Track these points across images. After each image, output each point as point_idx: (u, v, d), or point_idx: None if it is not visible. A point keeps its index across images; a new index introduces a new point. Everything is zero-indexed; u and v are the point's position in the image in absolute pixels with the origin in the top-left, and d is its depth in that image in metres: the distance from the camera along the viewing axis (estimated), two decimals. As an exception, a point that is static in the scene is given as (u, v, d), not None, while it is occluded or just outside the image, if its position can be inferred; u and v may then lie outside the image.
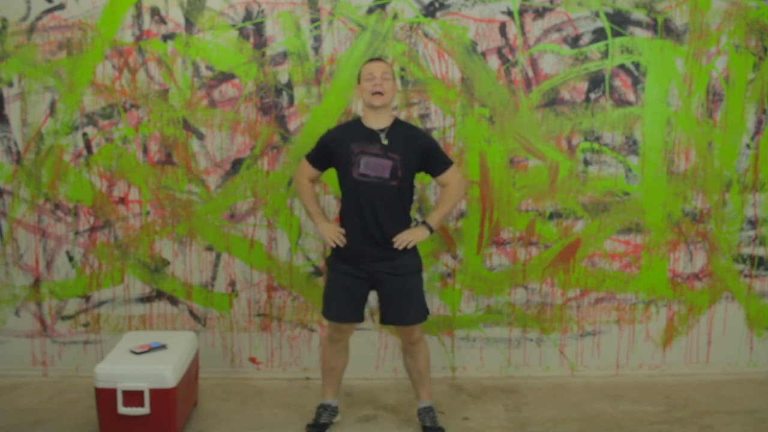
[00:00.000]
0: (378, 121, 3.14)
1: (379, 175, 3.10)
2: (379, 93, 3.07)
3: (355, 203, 3.13)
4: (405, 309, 3.18)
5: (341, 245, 3.17)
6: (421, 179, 3.77)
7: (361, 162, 3.11)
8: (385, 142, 3.11)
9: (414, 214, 3.73)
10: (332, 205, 3.75)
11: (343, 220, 3.22)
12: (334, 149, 3.17)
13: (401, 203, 3.17)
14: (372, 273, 3.15)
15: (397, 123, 3.20)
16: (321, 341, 3.84)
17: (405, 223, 3.20)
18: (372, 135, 3.13)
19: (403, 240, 3.13)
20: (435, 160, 3.20)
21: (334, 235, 3.18)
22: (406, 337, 3.25)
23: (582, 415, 3.49)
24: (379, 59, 3.20)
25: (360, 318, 3.23)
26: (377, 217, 3.11)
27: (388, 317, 3.22)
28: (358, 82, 3.17)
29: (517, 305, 3.89)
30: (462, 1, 3.65)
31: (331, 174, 3.62)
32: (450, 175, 3.22)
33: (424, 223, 3.22)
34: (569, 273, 3.88)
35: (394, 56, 3.67)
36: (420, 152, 3.15)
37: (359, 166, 3.11)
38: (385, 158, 3.10)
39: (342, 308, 3.20)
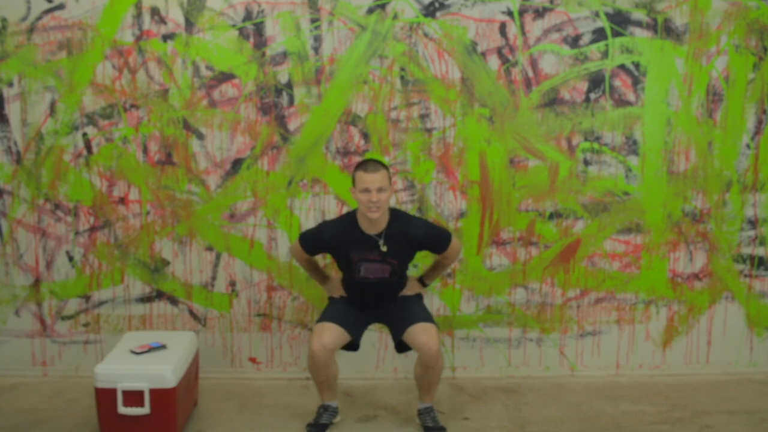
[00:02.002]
0: (375, 226, 3.20)
1: (379, 277, 3.24)
2: (375, 209, 3.10)
3: (356, 292, 3.33)
4: (411, 313, 3.26)
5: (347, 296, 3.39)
6: (421, 179, 3.77)
7: (362, 268, 3.23)
8: (383, 249, 3.19)
9: (414, 212, 3.74)
10: (332, 204, 3.75)
11: (344, 285, 3.38)
12: (332, 251, 3.33)
13: (400, 283, 3.36)
14: (375, 311, 3.36)
15: (393, 222, 3.22)
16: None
17: (403, 287, 3.39)
18: (370, 242, 3.20)
19: (400, 295, 3.38)
20: (436, 246, 3.32)
21: (341, 291, 3.39)
22: (426, 350, 3.14)
23: (582, 415, 3.49)
24: (374, 167, 3.12)
25: (354, 334, 3.27)
26: (377, 299, 3.33)
27: (398, 328, 3.25)
28: (353, 184, 3.16)
29: (517, 305, 3.89)
30: (462, 1, 3.65)
31: (332, 175, 3.64)
32: (450, 249, 3.33)
33: (420, 280, 3.44)
34: (569, 273, 3.88)
35: (394, 56, 3.67)
36: (418, 248, 3.29)
37: (359, 272, 3.24)
38: (385, 263, 3.22)
39: (339, 315, 3.27)
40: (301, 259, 3.40)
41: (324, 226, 3.31)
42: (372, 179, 3.07)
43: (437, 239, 3.29)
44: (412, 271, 3.60)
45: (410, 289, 3.40)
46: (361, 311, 3.35)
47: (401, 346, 3.33)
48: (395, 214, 3.25)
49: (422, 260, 3.62)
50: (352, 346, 3.33)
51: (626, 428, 3.36)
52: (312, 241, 3.30)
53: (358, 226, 3.21)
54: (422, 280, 3.45)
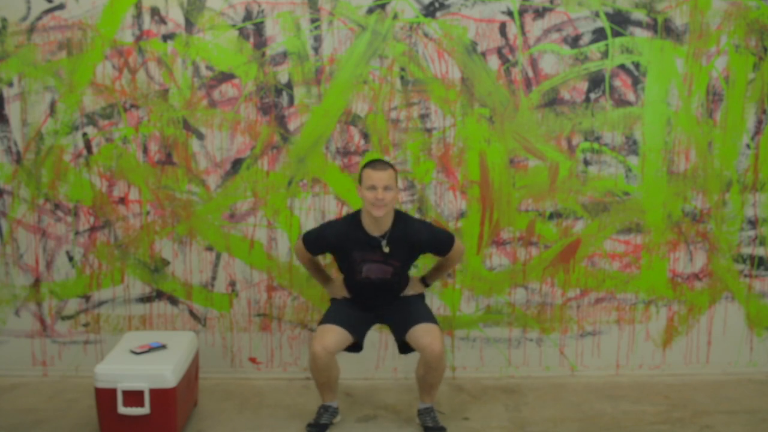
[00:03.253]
0: (378, 227, 3.20)
1: (381, 277, 3.24)
2: (381, 206, 3.10)
3: (358, 292, 3.33)
4: (414, 314, 3.26)
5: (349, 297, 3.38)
6: (421, 179, 3.77)
7: (364, 268, 3.23)
8: (386, 250, 3.20)
9: (414, 212, 3.74)
10: (332, 204, 3.75)
11: (347, 286, 3.37)
12: (335, 251, 3.33)
13: (402, 284, 3.35)
14: (377, 309, 3.35)
15: (396, 223, 3.23)
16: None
17: (405, 287, 3.39)
18: (373, 242, 3.20)
19: (402, 295, 3.37)
20: (439, 249, 3.33)
21: (343, 292, 3.38)
22: (429, 350, 3.13)
23: (582, 415, 3.49)
24: (382, 165, 3.15)
25: (357, 336, 3.27)
26: (379, 299, 3.33)
27: (401, 329, 3.24)
28: (359, 182, 3.18)
29: (517, 305, 3.89)
30: (462, 1, 3.65)
31: (332, 175, 3.64)
32: (453, 251, 3.34)
33: (422, 280, 3.45)
34: (569, 273, 3.88)
35: (394, 56, 3.67)
36: (420, 251, 3.31)
37: (362, 272, 3.24)
38: (387, 265, 3.22)
39: (342, 317, 3.26)
40: (303, 258, 3.40)
41: (327, 226, 3.32)
42: (379, 177, 3.09)
43: (440, 243, 3.29)
44: (413, 272, 3.60)
45: (412, 289, 3.40)
46: (363, 312, 3.34)
47: (404, 347, 3.32)
48: (399, 216, 3.25)
49: (424, 260, 3.62)
50: (355, 347, 3.33)
51: (626, 428, 3.36)
52: (315, 241, 3.30)
53: (362, 227, 3.21)
54: (424, 281, 3.45)
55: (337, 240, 3.24)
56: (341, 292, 3.38)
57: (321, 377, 3.22)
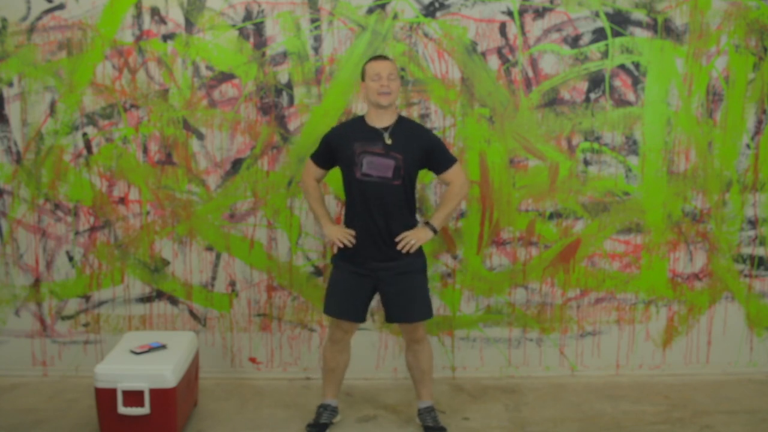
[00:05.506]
0: (381, 120, 3.15)
1: (382, 175, 3.11)
2: (386, 93, 3.08)
3: (360, 203, 3.14)
4: (409, 306, 3.19)
5: (349, 245, 3.17)
6: (422, 179, 3.77)
7: (364, 162, 3.11)
8: (388, 141, 3.12)
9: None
10: (332, 205, 3.75)
11: (348, 220, 3.22)
12: (337, 148, 3.19)
13: (406, 202, 3.17)
14: (376, 271, 3.16)
15: (401, 120, 3.19)
16: (321, 342, 3.84)
17: (410, 223, 3.20)
18: (375, 134, 3.13)
19: (406, 241, 3.13)
20: (438, 158, 3.20)
21: (342, 235, 3.17)
22: (410, 336, 3.25)
23: (582, 415, 3.49)
24: (384, 58, 3.19)
25: (361, 317, 3.23)
26: (382, 217, 3.12)
27: (392, 315, 3.21)
28: (362, 79, 3.16)
29: (517, 305, 3.89)
30: (462, 1, 3.65)
31: (332, 174, 3.63)
32: (453, 173, 3.22)
33: (427, 223, 3.22)
34: (569, 273, 3.88)
35: (394, 56, 3.66)
36: (423, 150, 3.15)
37: (362, 167, 3.11)
38: (388, 158, 3.10)
39: (344, 305, 3.21)
40: (309, 180, 3.32)
41: (330, 129, 3.31)
42: (383, 66, 3.10)
43: (442, 151, 3.22)
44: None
45: (417, 232, 3.15)
46: (362, 280, 3.17)
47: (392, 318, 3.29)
48: (404, 117, 3.25)
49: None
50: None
51: (626, 428, 3.36)
52: (321, 148, 3.27)
53: (365, 121, 3.19)
54: (430, 225, 3.23)
55: (339, 135, 3.21)
56: (341, 233, 3.17)
57: (333, 360, 3.28)
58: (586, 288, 3.90)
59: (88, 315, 3.85)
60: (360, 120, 3.22)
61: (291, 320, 3.88)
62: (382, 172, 3.10)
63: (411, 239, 3.13)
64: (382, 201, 3.11)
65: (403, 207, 3.16)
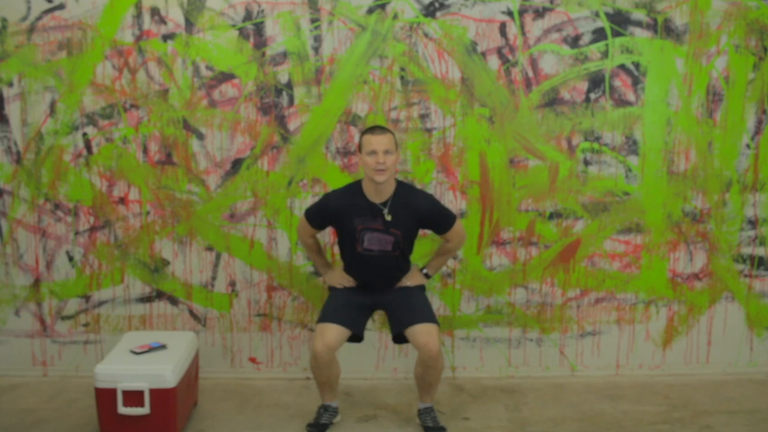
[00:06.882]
0: (380, 195, 3.19)
1: (382, 249, 3.22)
2: (382, 170, 3.09)
3: (358, 270, 3.32)
4: (415, 310, 3.24)
5: (349, 286, 3.36)
6: (421, 179, 3.77)
7: (365, 238, 3.21)
8: (387, 218, 3.19)
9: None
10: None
11: (346, 269, 3.36)
12: (337, 220, 3.27)
13: (404, 262, 3.34)
14: (375, 294, 3.32)
15: (398, 191, 3.22)
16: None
17: (405, 272, 3.38)
18: (374, 210, 3.19)
19: (402, 285, 3.35)
20: (438, 223, 3.30)
21: (343, 280, 3.36)
22: (426, 350, 3.13)
23: (582, 415, 3.49)
24: (381, 130, 3.15)
25: (356, 329, 3.24)
26: (381, 278, 3.32)
27: (400, 323, 3.22)
28: (359, 150, 3.17)
29: (517, 305, 3.89)
30: (462, 1, 3.65)
31: (332, 175, 3.64)
32: (453, 232, 3.31)
33: (422, 270, 3.42)
34: (569, 273, 3.88)
35: (394, 56, 3.67)
36: (422, 222, 3.28)
37: (363, 242, 3.21)
38: (388, 234, 3.20)
39: (340, 312, 3.23)
40: (306, 237, 3.37)
41: (329, 196, 3.31)
42: (379, 141, 3.09)
43: (441, 216, 3.27)
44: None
45: (412, 278, 3.37)
46: (362, 298, 3.30)
47: (399, 338, 3.31)
48: (401, 185, 3.25)
49: (423, 256, 3.62)
50: (356, 337, 3.30)
51: (626, 428, 3.36)
52: (318, 213, 3.28)
53: (364, 195, 3.20)
54: (425, 273, 3.42)
55: (338, 208, 3.22)
56: (341, 279, 3.35)
57: (322, 376, 3.22)
58: (586, 288, 3.90)
59: (88, 315, 3.85)
60: (359, 191, 3.22)
61: (291, 320, 3.88)
62: (382, 246, 3.22)
63: (406, 284, 3.36)
64: (382, 267, 3.28)
65: (402, 269, 3.34)
